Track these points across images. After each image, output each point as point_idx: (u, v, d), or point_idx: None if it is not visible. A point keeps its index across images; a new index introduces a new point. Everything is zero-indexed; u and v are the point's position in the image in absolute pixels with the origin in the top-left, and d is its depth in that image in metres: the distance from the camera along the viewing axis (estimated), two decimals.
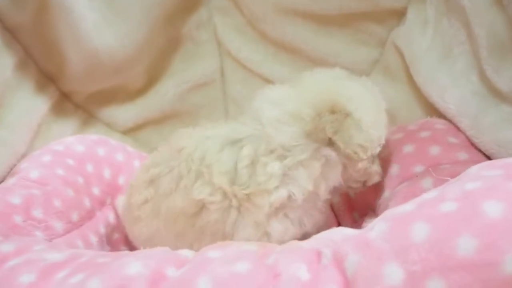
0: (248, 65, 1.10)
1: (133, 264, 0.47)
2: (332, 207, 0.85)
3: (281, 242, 0.56)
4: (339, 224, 0.82)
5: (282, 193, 0.63)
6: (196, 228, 0.66)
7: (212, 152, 0.65)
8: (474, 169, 0.51)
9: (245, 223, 0.64)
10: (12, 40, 0.87)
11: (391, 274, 0.40)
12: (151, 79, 1.09)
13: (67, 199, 0.78)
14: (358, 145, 0.63)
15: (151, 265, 0.47)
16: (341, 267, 0.43)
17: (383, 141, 0.69)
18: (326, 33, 1.02)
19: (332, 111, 0.63)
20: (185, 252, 0.53)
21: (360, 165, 0.66)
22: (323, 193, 0.66)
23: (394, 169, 0.75)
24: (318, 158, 0.63)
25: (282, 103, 0.65)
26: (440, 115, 0.83)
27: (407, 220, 0.43)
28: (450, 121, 0.80)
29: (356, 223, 0.79)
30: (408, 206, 0.45)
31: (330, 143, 0.63)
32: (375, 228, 0.44)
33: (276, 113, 0.64)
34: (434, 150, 0.73)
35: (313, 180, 0.64)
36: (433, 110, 0.86)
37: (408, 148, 0.75)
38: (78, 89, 1.01)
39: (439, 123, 0.80)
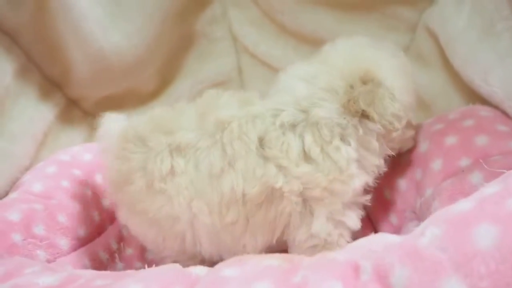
0: (267, 60, 1.02)
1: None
2: (366, 211, 0.76)
3: (356, 232, 0.56)
4: (375, 231, 0.73)
5: (364, 177, 0.61)
6: (257, 219, 0.58)
7: (273, 135, 0.59)
8: None
9: (318, 213, 0.60)
10: (11, 44, 0.81)
11: None
12: (164, 81, 1.02)
13: (73, 214, 0.72)
14: (393, 115, 0.61)
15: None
16: (386, 283, 0.34)
17: (414, 106, 0.67)
18: (350, 20, 0.93)
19: (364, 81, 0.61)
20: (197, 270, 0.45)
21: (395, 134, 0.62)
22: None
23: (436, 164, 0.65)
24: (366, 133, 0.60)
25: (314, 80, 0.62)
26: (483, 101, 0.74)
27: (467, 221, 0.34)
28: (496, 106, 0.70)
29: (395, 228, 0.70)
30: (465, 204, 0.36)
31: (364, 115, 0.60)
32: (426, 233, 0.35)
33: (311, 90, 0.61)
34: (481, 140, 0.64)
35: (378, 155, 0.62)
36: (474, 96, 0.76)
37: (450, 140, 0.66)
38: (86, 94, 0.95)
39: (484, 110, 0.70)
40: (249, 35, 1.04)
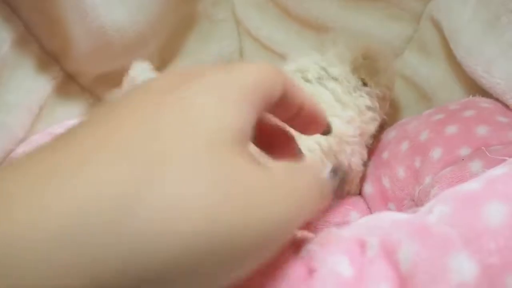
0: (269, 44, 1.02)
1: None
2: (363, 198, 0.77)
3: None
4: None
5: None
6: None
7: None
8: None
9: None
10: (11, 14, 0.79)
11: (460, 268, 0.31)
12: (164, 60, 1.01)
13: None
14: (387, 86, 0.77)
15: None
16: (393, 259, 0.34)
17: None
18: (355, 8, 0.93)
19: (365, 57, 0.75)
20: None
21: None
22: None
23: (435, 153, 0.65)
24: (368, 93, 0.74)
25: (325, 49, 0.77)
26: (484, 93, 0.74)
27: (476, 199, 0.34)
28: (496, 99, 0.71)
29: None
30: (473, 184, 0.36)
31: (364, 83, 0.74)
32: (434, 211, 0.35)
33: (324, 56, 0.75)
34: (482, 130, 0.64)
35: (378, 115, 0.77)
36: (475, 89, 0.77)
37: (451, 129, 0.66)
38: (84, 69, 0.93)
39: (484, 102, 0.71)
40: (251, 18, 1.03)
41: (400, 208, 0.70)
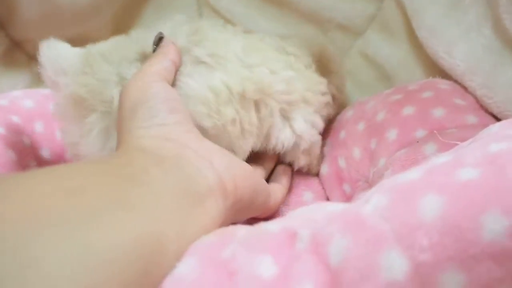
0: (228, 16, 0.97)
1: None
2: (319, 178, 0.74)
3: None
4: (327, 199, 0.71)
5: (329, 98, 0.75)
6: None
7: None
8: (496, 127, 0.41)
9: (295, 116, 0.67)
10: None
11: (391, 265, 0.29)
12: (118, 30, 0.95)
13: (8, 162, 0.67)
14: (337, 87, 0.78)
15: None
16: (323, 253, 0.32)
17: None
18: None
19: (320, 57, 0.75)
20: None
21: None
22: None
23: (391, 134, 0.63)
24: None
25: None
26: (444, 75, 0.72)
27: (413, 191, 0.32)
28: (455, 81, 0.69)
29: (347, 197, 0.68)
30: (413, 174, 0.34)
31: None
32: (371, 201, 0.33)
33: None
34: (438, 112, 0.62)
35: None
36: (436, 71, 0.75)
37: (408, 110, 0.64)
38: (31, 37, 0.88)
39: (443, 83, 0.69)
40: None
41: (354, 190, 0.68)
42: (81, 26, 0.90)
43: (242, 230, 0.38)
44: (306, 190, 0.72)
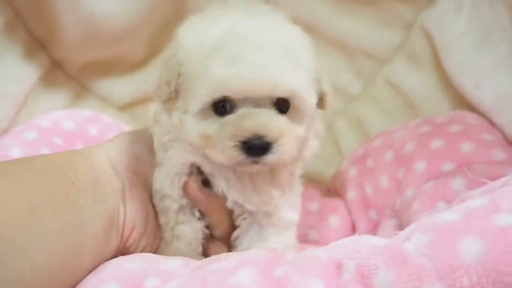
0: None
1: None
2: (346, 204, 0.77)
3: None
4: (353, 224, 0.74)
5: None
6: None
7: None
8: None
9: None
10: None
11: None
12: (153, 52, 0.99)
13: None
14: None
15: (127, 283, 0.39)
16: (368, 284, 0.35)
17: None
18: (348, 12, 0.92)
19: None
20: (172, 263, 0.44)
21: None
22: None
23: (419, 165, 0.66)
24: None
25: None
26: (471, 108, 0.74)
27: (453, 232, 0.34)
28: (483, 115, 0.71)
29: (373, 223, 0.71)
30: (452, 215, 0.37)
31: None
32: (413, 239, 0.36)
33: None
34: (466, 147, 0.65)
35: None
36: (462, 103, 0.77)
37: (436, 143, 0.67)
38: (71, 57, 0.92)
39: (471, 117, 0.71)
40: None
41: (380, 217, 0.71)
42: (117, 48, 0.94)
43: (290, 253, 0.41)
44: (333, 214, 0.74)
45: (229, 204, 0.55)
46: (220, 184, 0.54)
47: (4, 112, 0.78)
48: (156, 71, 0.95)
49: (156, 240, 0.56)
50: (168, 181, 0.55)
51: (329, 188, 0.84)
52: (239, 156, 0.47)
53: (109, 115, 0.93)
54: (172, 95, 0.52)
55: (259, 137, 0.47)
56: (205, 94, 0.48)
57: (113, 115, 0.95)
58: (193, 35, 0.54)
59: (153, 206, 0.56)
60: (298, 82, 0.48)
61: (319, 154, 0.61)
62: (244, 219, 0.56)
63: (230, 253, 0.48)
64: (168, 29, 0.99)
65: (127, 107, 1.01)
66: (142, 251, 0.53)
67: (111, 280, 0.39)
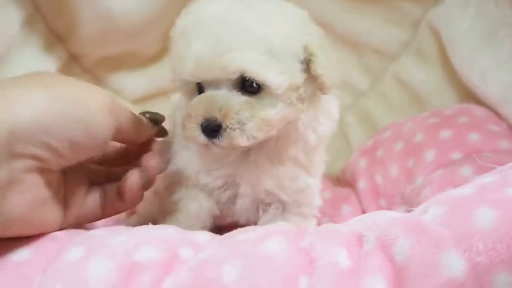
0: None
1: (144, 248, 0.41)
2: (355, 192, 0.79)
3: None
4: (363, 212, 0.76)
5: None
6: None
7: None
8: None
9: None
10: None
11: (451, 264, 0.34)
12: (165, 47, 1.01)
13: None
14: None
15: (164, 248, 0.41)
16: (388, 252, 0.37)
17: None
18: (358, 10, 0.96)
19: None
20: (200, 236, 0.47)
21: None
22: None
23: (428, 155, 0.69)
24: None
25: None
26: (477, 101, 0.77)
27: (468, 204, 0.37)
28: (489, 108, 0.74)
29: None
30: (466, 190, 0.39)
31: None
32: (429, 211, 0.38)
33: None
34: (474, 136, 0.68)
35: None
36: (468, 96, 0.80)
37: (445, 134, 0.69)
38: (87, 51, 0.95)
39: (478, 110, 0.74)
40: None
41: (390, 205, 0.73)
42: (132, 43, 0.97)
43: (311, 227, 0.43)
44: (344, 203, 0.77)
45: (261, 194, 0.57)
46: (254, 173, 0.55)
47: None
48: (169, 66, 1.00)
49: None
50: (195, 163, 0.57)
51: (339, 178, 0.87)
52: (199, 136, 0.49)
53: None
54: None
55: (208, 120, 0.48)
56: (177, 79, 0.52)
57: None
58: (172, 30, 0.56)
59: None
60: (246, 61, 0.47)
61: (329, 148, 0.64)
62: (276, 208, 0.59)
63: (255, 226, 0.51)
64: None
65: (140, 100, 1.04)
66: None
67: (147, 243, 0.41)
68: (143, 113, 0.54)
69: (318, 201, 0.61)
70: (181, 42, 0.50)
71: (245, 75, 0.48)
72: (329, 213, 0.75)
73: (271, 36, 0.48)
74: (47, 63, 0.86)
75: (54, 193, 0.45)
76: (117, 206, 0.53)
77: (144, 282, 0.38)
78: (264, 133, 0.49)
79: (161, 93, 1.04)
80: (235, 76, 0.48)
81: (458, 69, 0.79)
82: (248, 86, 0.49)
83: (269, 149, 0.55)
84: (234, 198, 0.58)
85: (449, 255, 0.34)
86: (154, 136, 0.57)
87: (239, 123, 0.48)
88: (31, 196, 0.42)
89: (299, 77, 0.50)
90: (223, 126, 0.48)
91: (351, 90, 1.02)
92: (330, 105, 0.57)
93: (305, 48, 0.50)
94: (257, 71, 0.47)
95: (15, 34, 0.79)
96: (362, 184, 0.78)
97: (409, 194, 0.69)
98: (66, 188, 0.48)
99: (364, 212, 0.76)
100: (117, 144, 0.56)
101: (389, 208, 0.73)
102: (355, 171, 0.81)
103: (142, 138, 0.54)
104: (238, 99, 0.49)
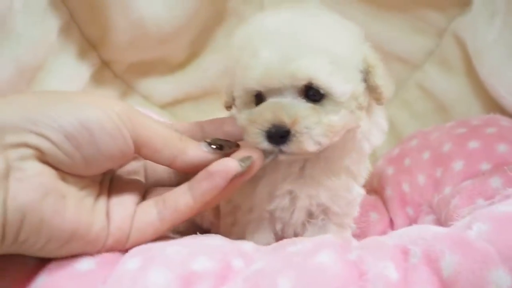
0: None
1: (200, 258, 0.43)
2: (383, 200, 0.81)
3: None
4: (390, 220, 0.78)
5: None
6: None
7: None
8: None
9: None
10: (60, 2, 0.84)
11: (498, 280, 0.36)
12: (193, 53, 1.04)
13: None
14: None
15: (219, 258, 0.43)
16: (435, 267, 0.39)
17: None
18: (383, 18, 0.97)
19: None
20: (246, 245, 0.49)
21: None
22: None
23: (457, 165, 0.70)
24: None
25: None
26: (502, 112, 0.79)
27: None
28: None
29: (410, 220, 0.75)
30: (509, 207, 0.41)
31: None
32: (474, 227, 0.40)
33: None
34: (502, 147, 0.69)
35: None
36: (493, 106, 0.82)
37: (473, 144, 0.71)
38: (119, 58, 0.98)
39: (504, 120, 0.76)
40: None
41: (417, 213, 0.75)
42: (162, 49, 0.99)
43: (354, 240, 0.46)
44: (372, 211, 0.79)
45: (314, 206, 0.59)
46: (312, 187, 0.57)
47: None
48: (197, 72, 1.02)
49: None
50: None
51: (365, 185, 0.89)
52: (263, 143, 0.50)
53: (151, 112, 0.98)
54: (230, 100, 0.57)
55: (276, 126, 0.49)
56: (238, 89, 0.53)
57: (154, 113, 1.00)
58: (233, 39, 0.58)
59: None
60: (313, 69, 0.49)
61: None
62: (322, 219, 0.60)
63: (301, 237, 0.53)
64: (208, 32, 1.05)
65: (168, 105, 1.06)
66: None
67: (201, 253, 0.43)
68: (207, 140, 0.51)
69: (356, 211, 0.63)
70: (245, 52, 0.52)
71: (313, 83, 0.50)
72: (357, 220, 0.76)
73: (336, 46, 0.51)
74: (81, 70, 0.89)
75: (83, 196, 0.45)
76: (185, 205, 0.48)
77: None
78: (329, 139, 0.51)
79: (188, 99, 1.06)
80: (303, 83, 0.50)
81: (485, 79, 0.81)
82: (311, 94, 0.51)
83: (324, 160, 0.56)
84: (292, 213, 0.60)
85: (496, 272, 0.36)
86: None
87: (306, 128, 0.49)
88: (34, 183, 0.40)
89: (360, 87, 0.53)
90: (292, 132, 0.49)
91: None
92: (380, 116, 0.60)
93: (364, 60, 0.53)
94: (325, 79, 0.49)
95: (53, 42, 0.82)
96: (389, 192, 0.80)
97: (437, 203, 0.71)
98: (109, 201, 0.48)
99: (391, 220, 0.78)
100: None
101: (417, 216, 0.75)
102: (382, 178, 0.83)
103: (184, 159, 0.49)
104: (304, 105, 0.50)
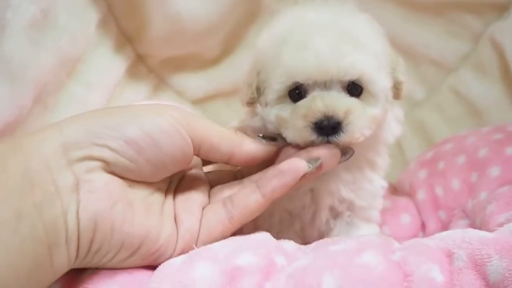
0: None
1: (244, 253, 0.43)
2: (416, 204, 0.81)
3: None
4: (422, 223, 0.78)
5: None
6: None
7: None
8: None
9: None
10: None
11: None
12: (227, 50, 1.05)
13: None
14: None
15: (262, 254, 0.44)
16: (481, 271, 0.39)
17: None
18: (417, 21, 0.97)
19: None
20: (288, 244, 0.49)
21: None
22: None
23: (493, 171, 0.70)
24: None
25: None
26: None
27: None
28: None
29: (442, 223, 0.75)
30: None
31: None
32: None
33: None
34: None
35: None
36: None
37: (510, 151, 0.70)
38: (154, 52, 0.98)
39: None
40: None
41: (450, 217, 0.74)
42: (197, 45, 1.00)
43: (395, 241, 0.46)
44: (404, 213, 0.79)
45: (336, 202, 0.59)
46: (332, 181, 0.58)
47: (98, 100, 0.84)
48: (229, 68, 1.03)
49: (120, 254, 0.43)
50: None
51: (396, 187, 0.89)
52: (311, 136, 0.51)
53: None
54: (254, 96, 0.57)
55: (328, 117, 0.50)
56: (279, 82, 0.54)
57: (186, 108, 1.01)
58: (265, 35, 0.59)
59: None
60: (365, 64, 0.51)
61: None
62: (348, 216, 0.61)
63: (343, 236, 0.53)
64: (242, 28, 1.05)
65: (200, 101, 1.07)
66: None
67: (246, 249, 0.44)
68: (259, 135, 0.54)
69: (380, 204, 0.63)
70: (287, 46, 0.52)
71: (362, 78, 0.51)
72: (389, 222, 0.76)
73: (376, 42, 0.53)
74: (117, 63, 0.90)
75: (150, 203, 0.47)
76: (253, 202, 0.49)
77: (247, 287, 0.41)
78: (371, 130, 0.54)
79: (220, 95, 1.07)
80: (353, 78, 0.51)
81: None
82: (352, 88, 0.52)
83: None
84: (314, 213, 0.61)
85: None
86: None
87: (357, 120, 0.51)
88: (103, 193, 0.42)
89: (389, 81, 0.55)
90: (345, 123, 0.50)
91: (406, 100, 1.02)
92: (396, 107, 0.62)
93: (391, 56, 0.55)
94: (373, 75, 0.52)
95: (92, 34, 0.83)
96: (421, 194, 0.79)
97: (472, 208, 0.70)
98: (176, 205, 0.50)
99: (422, 222, 0.78)
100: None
101: (449, 221, 0.74)
102: (414, 181, 0.82)
103: (242, 152, 0.51)
104: (350, 98, 0.52)
